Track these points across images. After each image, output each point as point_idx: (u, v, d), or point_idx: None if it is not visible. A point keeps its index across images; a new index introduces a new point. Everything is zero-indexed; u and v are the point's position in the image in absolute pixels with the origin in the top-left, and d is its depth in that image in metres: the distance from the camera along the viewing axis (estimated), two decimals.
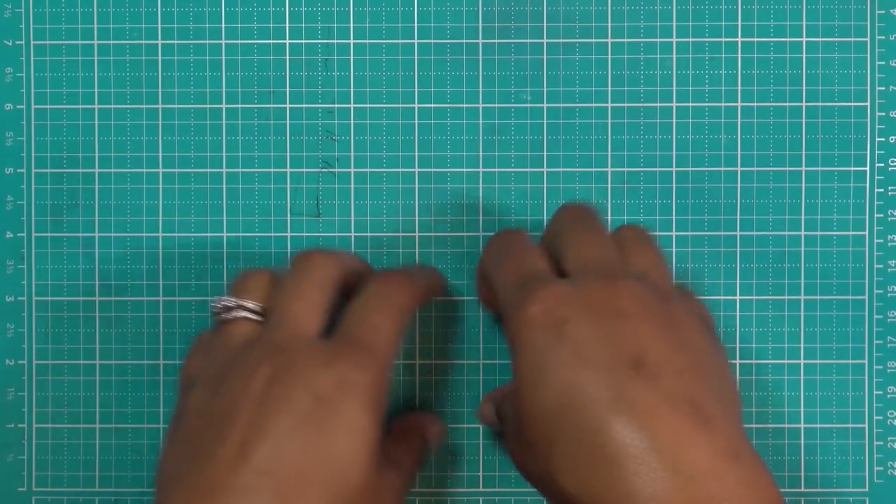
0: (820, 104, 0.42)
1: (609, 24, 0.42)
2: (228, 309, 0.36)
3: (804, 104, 0.42)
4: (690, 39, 0.42)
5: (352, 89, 0.42)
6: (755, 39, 0.42)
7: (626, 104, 0.42)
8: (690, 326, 0.34)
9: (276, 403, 0.33)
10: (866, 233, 0.42)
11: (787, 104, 0.42)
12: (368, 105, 0.42)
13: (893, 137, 0.42)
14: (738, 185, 0.42)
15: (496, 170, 0.42)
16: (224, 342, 0.36)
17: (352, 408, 0.33)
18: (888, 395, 0.42)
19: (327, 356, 0.34)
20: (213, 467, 0.32)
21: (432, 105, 0.42)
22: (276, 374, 0.33)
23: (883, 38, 0.42)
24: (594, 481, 0.31)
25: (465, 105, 0.42)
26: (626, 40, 0.42)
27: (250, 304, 0.36)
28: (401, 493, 0.36)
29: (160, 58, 0.42)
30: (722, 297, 0.42)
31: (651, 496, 0.30)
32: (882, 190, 0.42)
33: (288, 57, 0.42)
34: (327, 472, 0.33)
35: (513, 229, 0.39)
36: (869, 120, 0.42)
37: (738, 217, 0.42)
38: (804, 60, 0.42)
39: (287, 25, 0.42)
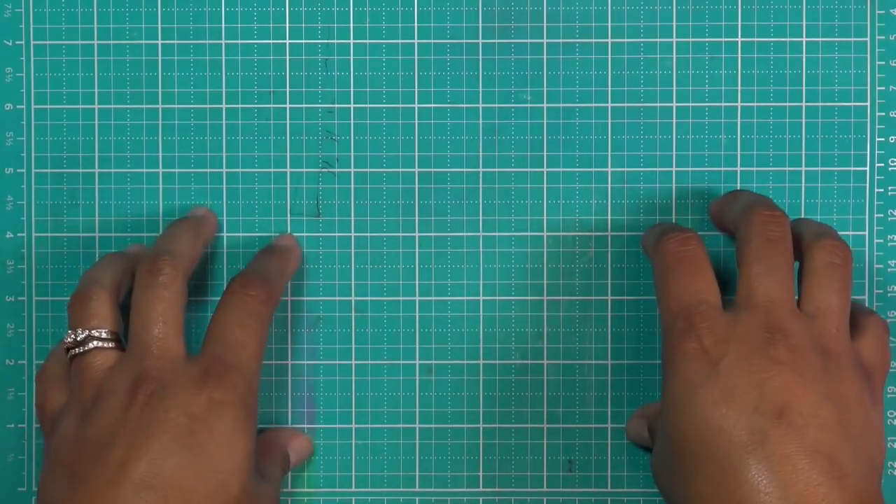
0: (820, 104, 0.42)
1: (609, 24, 0.42)
2: (80, 343, 0.37)
3: (804, 104, 0.42)
4: (690, 39, 0.42)
5: (352, 89, 0.42)
6: (755, 39, 0.42)
7: (626, 104, 0.42)
8: (844, 380, 0.35)
9: (152, 427, 0.34)
10: (866, 233, 0.42)
11: (787, 104, 0.42)
12: (368, 105, 0.42)
13: (893, 137, 0.42)
14: (738, 185, 0.42)
15: (496, 170, 0.42)
16: (83, 373, 0.37)
17: (225, 425, 0.35)
18: (888, 395, 0.42)
19: (196, 378, 0.35)
20: (93, 487, 0.34)
21: (432, 105, 0.42)
22: (150, 401, 0.35)
23: (883, 38, 0.42)
24: None
25: (465, 105, 0.42)
26: (626, 40, 0.42)
27: (102, 334, 0.37)
28: (274, 502, 0.38)
29: (160, 58, 0.42)
30: (722, 298, 0.42)
31: None
32: (882, 190, 0.42)
33: (288, 57, 0.42)
34: (208, 485, 0.34)
35: (685, 235, 0.38)
36: (869, 120, 0.42)
37: None
38: (804, 60, 0.42)
39: (287, 25, 0.42)
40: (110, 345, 0.37)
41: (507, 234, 0.42)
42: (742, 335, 0.35)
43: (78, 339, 0.37)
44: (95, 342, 0.37)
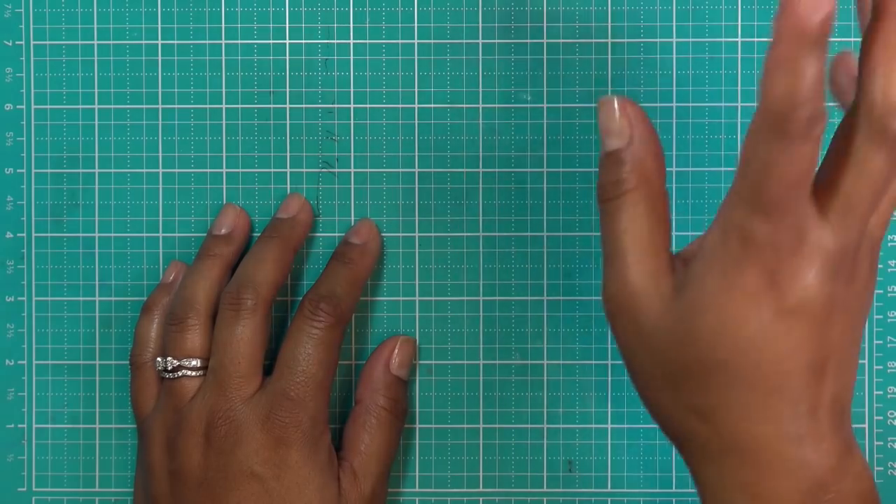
0: None
1: (609, 24, 0.42)
2: (171, 370, 0.39)
3: None
4: (690, 39, 0.42)
5: (352, 89, 0.42)
6: (755, 39, 0.42)
7: None
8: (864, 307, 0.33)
9: (228, 479, 0.37)
10: None
11: None
12: (368, 105, 0.42)
13: None
14: None
15: (496, 170, 0.42)
16: (170, 397, 0.39)
17: (293, 470, 0.37)
18: (888, 395, 0.42)
19: (263, 418, 0.37)
20: None
21: (432, 105, 0.42)
22: (223, 447, 0.37)
23: None
24: (731, 453, 0.31)
25: (465, 105, 0.42)
26: (626, 40, 0.42)
27: (192, 363, 0.39)
28: (378, 480, 0.40)
29: (160, 58, 0.42)
30: None
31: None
32: None
33: (288, 57, 0.42)
34: None
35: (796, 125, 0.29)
36: None
37: None
38: None
39: (287, 25, 0.42)
40: (198, 373, 0.39)
41: (507, 234, 0.42)
42: (841, 260, 0.30)
43: (168, 368, 0.39)
44: (185, 371, 0.39)
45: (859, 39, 0.42)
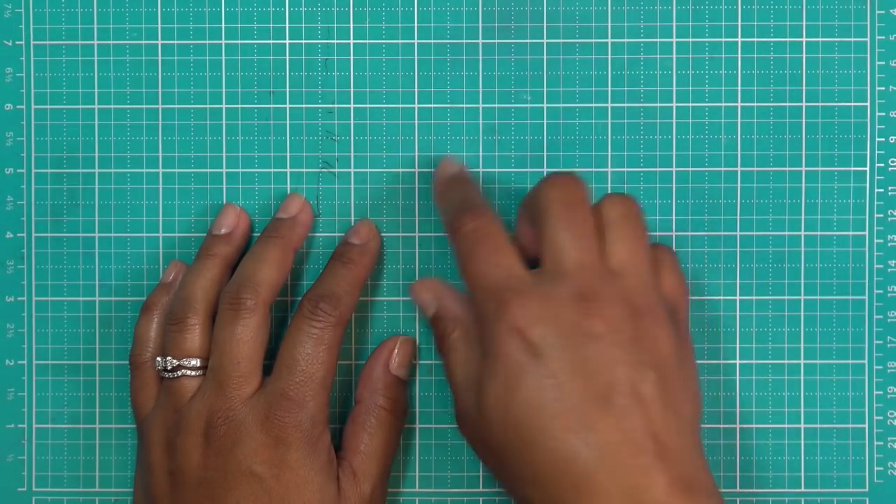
0: (820, 104, 0.42)
1: (609, 24, 0.42)
2: (171, 370, 0.39)
3: (804, 104, 0.42)
4: (690, 39, 0.42)
5: (352, 89, 0.42)
6: (755, 39, 0.42)
7: (626, 104, 0.42)
8: (657, 340, 0.36)
9: (227, 478, 0.37)
10: (866, 233, 0.42)
11: (787, 104, 0.42)
12: (368, 105, 0.42)
13: (893, 137, 0.42)
14: (738, 185, 0.42)
15: (496, 170, 0.42)
16: (169, 396, 0.39)
17: (292, 469, 0.37)
18: (888, 395, 0.42)
19: (263, 418, 0.37)
20: None
21: (432, 105, 0.42)
22: (222, 447, 0.37)
23: (883, 38, 0.42)
24: (558, 499, 0.34)
25: (465, 105, 0.42)
26: (626, 40, 0.42)
27: (191, 363, 0.39)
28: (377, 482, 0.40)
29: (160, 58, 0.42)
30: (722, 297, 0.42)
31: None
32: (882, 190, 0.42)
33: (288, 57, 0.42)
34: None
35: (478, 213, 0.38)
36: (869, 120, 0.42)
37: (738, 217, 0.42)
38: (804, 60, 0.42)
39: (287, 25, 0.42)
40: (198, 373, 0.39)
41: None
42: (557, 311, 0.35)
43: (168, 367, 0.39)
44: (185, 370, 0.39)
45: (859, 39, 0.42)
